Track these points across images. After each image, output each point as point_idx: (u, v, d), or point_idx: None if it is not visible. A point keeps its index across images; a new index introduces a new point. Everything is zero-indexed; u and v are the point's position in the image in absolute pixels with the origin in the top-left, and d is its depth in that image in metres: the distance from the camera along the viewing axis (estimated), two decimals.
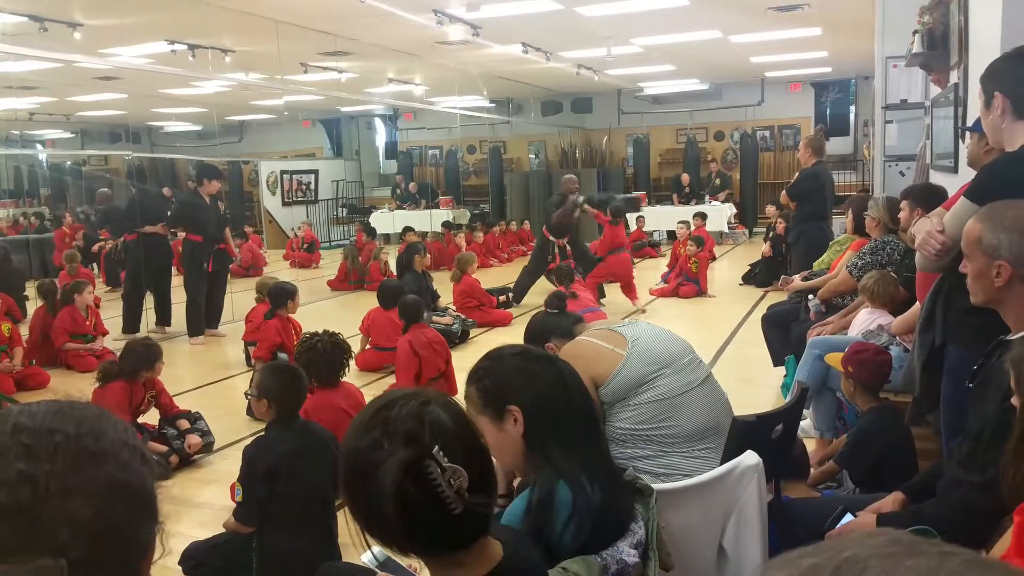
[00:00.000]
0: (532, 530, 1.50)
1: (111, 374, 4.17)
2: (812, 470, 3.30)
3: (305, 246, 13.41)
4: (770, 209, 10.87)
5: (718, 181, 14.68)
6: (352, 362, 3.95)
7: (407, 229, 11.52)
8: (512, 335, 6.85)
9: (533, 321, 2.97)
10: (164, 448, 4.13)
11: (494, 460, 1.43)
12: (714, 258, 11.05)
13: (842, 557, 0.45)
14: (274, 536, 2.81)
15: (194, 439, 4.23)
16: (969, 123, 3.36)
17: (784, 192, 6.50)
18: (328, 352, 3.61)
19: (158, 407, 4.35)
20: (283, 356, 5.03)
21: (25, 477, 0.65)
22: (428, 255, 8.16)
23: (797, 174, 6.41)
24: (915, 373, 2.49)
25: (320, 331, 3.73)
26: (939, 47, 4.90)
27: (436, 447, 1.11)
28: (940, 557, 0.44)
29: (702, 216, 11.29)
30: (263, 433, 3.06)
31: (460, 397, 1.70)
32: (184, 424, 4.31)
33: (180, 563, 2.95)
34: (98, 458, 0.69)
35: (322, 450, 2.90)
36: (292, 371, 3.05)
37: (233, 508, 2.98)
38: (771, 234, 9.77)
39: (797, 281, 4.99)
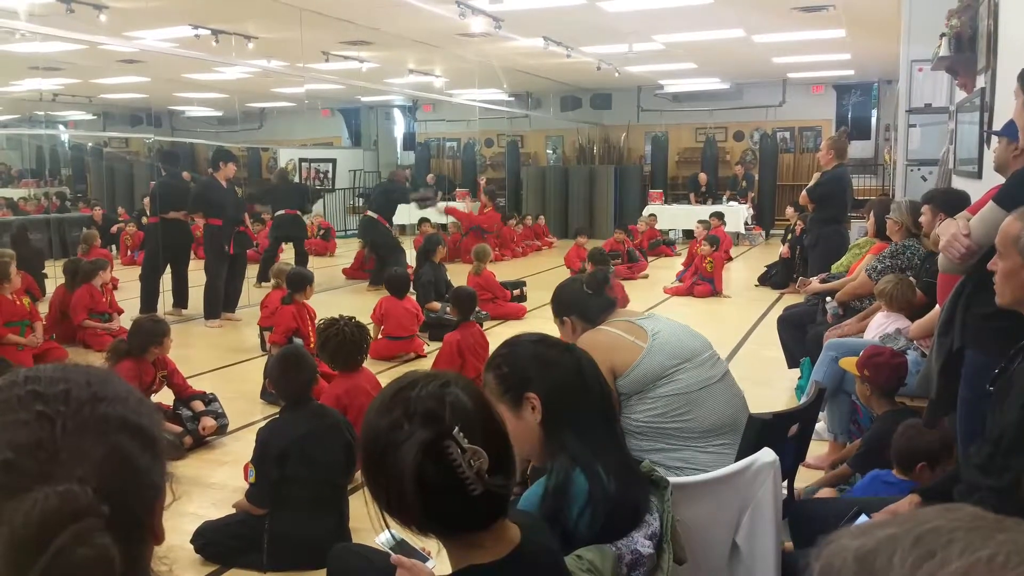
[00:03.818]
0: (547, 517, 1.50)
1: (120, 352, 4.19)
2: (825, 473, 3.30)
3: (321, 232, 13.41)
4: (789, 211, 10.80)
5: (744, 184, 14.60)
6: None
7: (423, 220, 11.56)
8: (525, 328, 6.84)
9: (564, 287, 2.63)
10: (179, 429, 4.16)
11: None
12: (730, 259, 10.99)
13: (924, 528, 0.44)
14: (285, 518, 2.84)
15: (208, 421, 4.26)
16: (996, 128, 3.32)
17: (804, 193, 6.44)
18: (355, 335, 3.65)
19: (171, 387, 4.37)
20: (298, 341, 5.06)
21: (43, 416, 0.70)
22: (446, 247, 8.21)
23: (817, 175, 6.35)
24: (932, 376, 2.47)
25: (338, 316, 3.75)
26: (967, 51, 4.85)
27: (456, 428, 1.11)
28: None
29: (719, 216, 11.23)
30: (277, 416, 3.09)
31: None
32: (198, 406, 4.34)
33: (192, 541, 2.98)
34: (108, 401, 0.73)
35: (334, 434, 2.92)
36: (294, 357, 3.07)
37: (246, 489, 3.01)
38: (789, 236, 9.71)
39: (815, 283, 4.96)
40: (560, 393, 1.63)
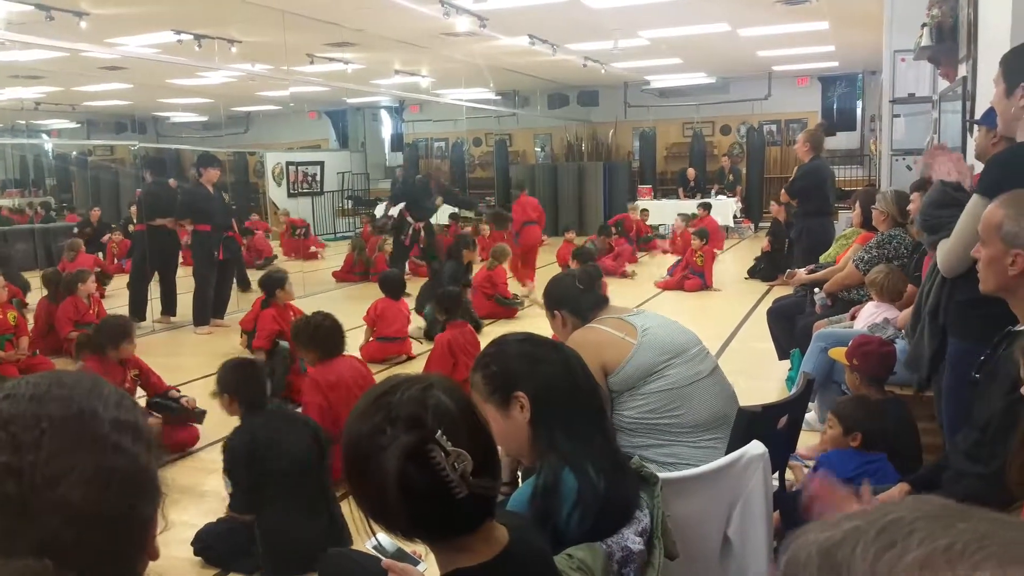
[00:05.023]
0: (537, 517, 1.50)
1: (90, 346, 4.20)
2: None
3: (299, 231, 13.20)
4: (773, 206, 10.79)
5: (731, 177, 14.63)
6: (358, 353, 3.97)
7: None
8: (518, 327, 6.84)
9: (556, 281, 2.63)
10: (158, 421, 4.11)
11: (499, 448, 1.43)
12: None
13: (887, 519, 0.44)
14: (273, 518, 2.88)
15: (191, 399, 4.26)
16: (978, 116, 3.34)
17: (784, 190, 6.45)
18: (329, 321, 3.71)
19: (146, 387, 4.32)
20: (284, 344, 5.04)
21: (10, 470, 0.63)
22: (476, 249, 8.23)
23: (796, 169, 6.38)
24: (924, 358, 2.47)
25: (310, 313, 3.81)
26: (948, 40, 4.88)
27: (439, 431, 1.10)
28: (992, 522, 0.43)
29: (706, 207, 11.23)
30: (240, 424, 3.12)
31: None
32: (174, 393, 4.33)
33: (192, 543, 3.02)
34: (86, 443, 0.67)
35: (297, 428, 3.02)
36: (249, 364, 3.20)
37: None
38: (770, 227, 9.73)
39: (802, 274, 4.98)
40: (549, 391, 1.62)
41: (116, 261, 11.47)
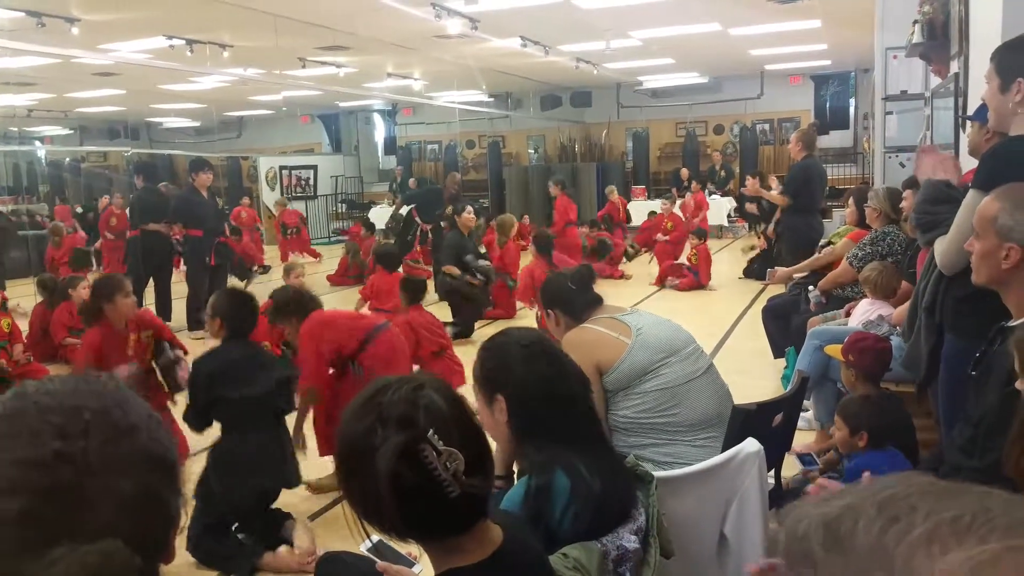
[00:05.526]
0: (531, 516, 1.49)
1: (92, 311, 4.13)
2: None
3: (291, 231, 13.13)
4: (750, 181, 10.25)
5: (723, 173, 14.63)
6: None
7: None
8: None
9: (550, 281, 2.66)
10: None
11: (492, 442, 1.42)
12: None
13: (883, 496, 0.44)
14: (225, 441, 3.02)
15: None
16: (970, 112, 3.34)
17: (781, 195, 6.40)
18: (302, 290, 3.80)
19: (167, 339, 4.25)
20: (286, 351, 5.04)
21: (63, 456, 0.62)
22: (478, 220, 8.26)
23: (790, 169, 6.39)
24: (922, 356, 2.47)
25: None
26: (939, 37, 4.89)
27: (431, 431, 1.10)
28: (982, 495, 0.44)
29: (701, 182, 11.25)
30: (216, 347, 3.22)
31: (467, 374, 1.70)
32: (179, 353, 4.19)
33: (186, 548, 3.02)
34: (129, 432, 0.67)
35: (267, 365, 3.14)
36: (246, 295, 3.34)
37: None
38: (759, 225, 9.69)
39: (782, 271, 5.00)
40: (528, 400, 1.61)
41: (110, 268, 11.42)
